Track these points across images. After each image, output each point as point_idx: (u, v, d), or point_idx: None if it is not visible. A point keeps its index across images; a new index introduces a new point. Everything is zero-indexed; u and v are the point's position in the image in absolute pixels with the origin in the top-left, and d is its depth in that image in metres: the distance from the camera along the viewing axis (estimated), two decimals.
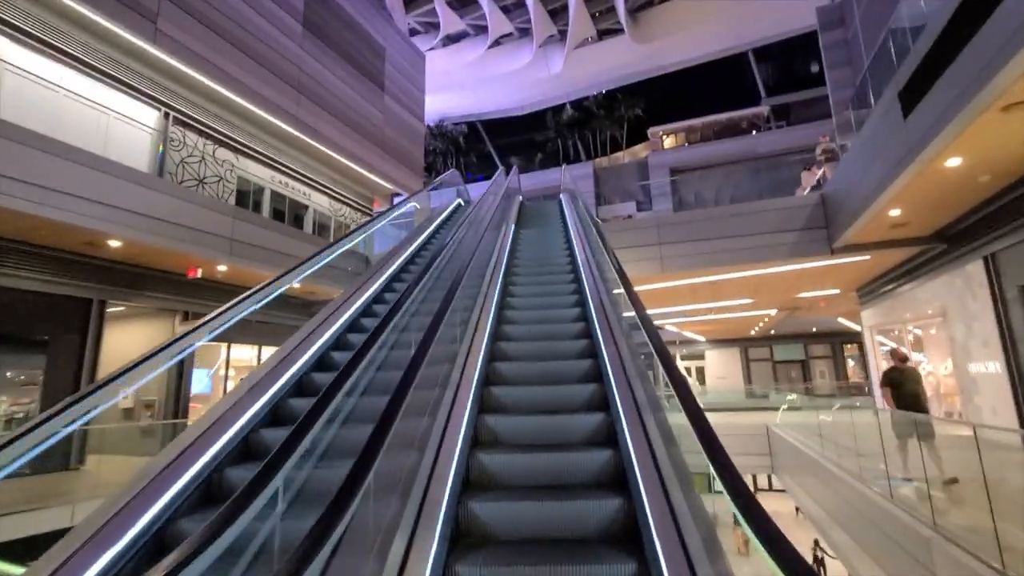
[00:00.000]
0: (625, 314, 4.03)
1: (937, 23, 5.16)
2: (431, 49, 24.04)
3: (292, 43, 14.15)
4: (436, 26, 22.66)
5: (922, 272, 10.13)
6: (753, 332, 25.76)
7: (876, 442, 5.62)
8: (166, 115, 11.24)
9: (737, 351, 27.93)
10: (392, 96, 18.41)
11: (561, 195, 10.04)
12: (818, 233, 10.07)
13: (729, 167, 27.86)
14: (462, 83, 28.54)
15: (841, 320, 21.08)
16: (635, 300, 3.37)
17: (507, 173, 11.60)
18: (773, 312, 18.28)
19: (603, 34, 26.40)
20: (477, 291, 4.54)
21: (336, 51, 15.81)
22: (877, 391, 14.43)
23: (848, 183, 8.77)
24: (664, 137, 32.02)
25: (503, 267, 5.38)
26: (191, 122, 11.75)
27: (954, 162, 6.12)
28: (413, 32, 23.52)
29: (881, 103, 6.94)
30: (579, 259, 5.95)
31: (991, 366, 8.07)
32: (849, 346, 26.77)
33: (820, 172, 11.82)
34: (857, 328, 19.82)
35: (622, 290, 3.74)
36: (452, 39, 25.29)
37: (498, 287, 4.85)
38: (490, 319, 4.17)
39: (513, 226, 7.38)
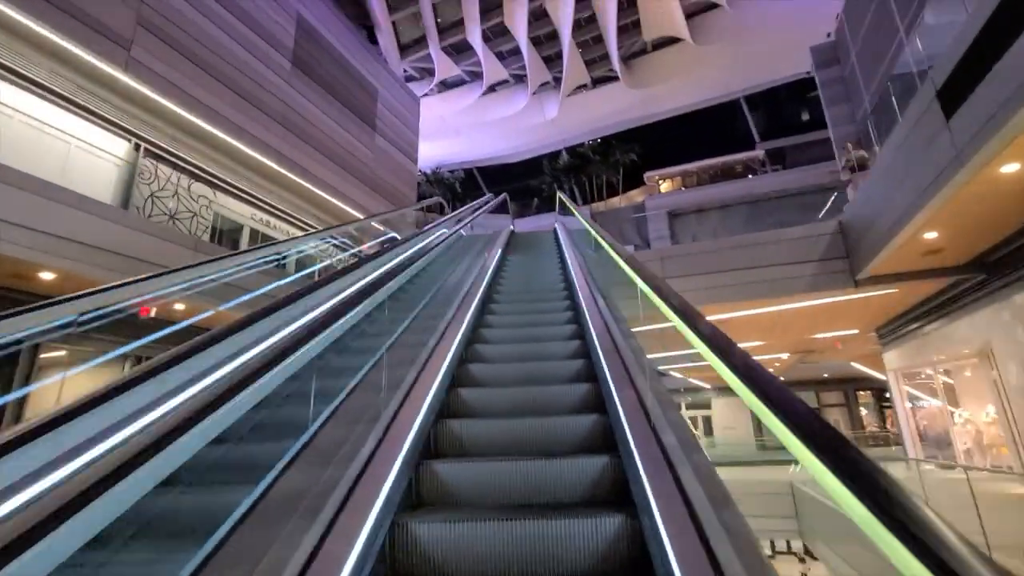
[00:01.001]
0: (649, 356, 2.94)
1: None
2: (426, 95, 24.15)
3: (280, 79, 13.80)
4: (431, 72, 22.81)
5: (956, 307, 9.19)
6: None
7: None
8: (136, 147, 10.59)
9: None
10: (384, 136, 18.08)
11: (555, 224, 9.24)
12: (839, 264, 9.19)
13: (726, 210, 27.61)
14: (457, 129, 28.63)
15: (855, 365, 19.92)
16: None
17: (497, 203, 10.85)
18: (785, 356, 17.18)
19: (597, 81, 26.74)
20: (436, 324, 3.50)
21: (326, 89, 15.52)
22: (908, 442, 13.13)
23: (872, 207, 7.97)
24: (660, 181, 32.03)
25: (478, 297, 4.36)
26: (165, 155, 11.10)
27: (1011, 168, 5.30)
28: (409, 78, 23.67)
29: (911, 110, 6.23)
30: (576, 284, 4.98)
31: None
32: (863, 393, 25.43)
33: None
34: (873, 373, 18.67)
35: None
36: (447, 85, 25.51)
37: (465, 324, 3.78)
38: (440, 374, 2.92)
39: (499, 251, 6.47)
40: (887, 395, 24.66)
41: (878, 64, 13.37)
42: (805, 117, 35.38)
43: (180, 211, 11.47)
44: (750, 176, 29.20)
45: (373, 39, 20.60)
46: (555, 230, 9.06)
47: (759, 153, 29.82)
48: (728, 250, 10.05)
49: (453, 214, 7.67)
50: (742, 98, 31.30)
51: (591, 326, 3.68)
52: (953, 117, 5.34)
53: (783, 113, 33.09)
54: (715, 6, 21.52)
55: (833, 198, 17.23)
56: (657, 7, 21.32)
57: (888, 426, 24.63)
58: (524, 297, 5.14)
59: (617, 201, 33.39)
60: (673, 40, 23.80)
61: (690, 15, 21.86)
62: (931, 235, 7.11)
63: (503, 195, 10.56)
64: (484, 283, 4.67)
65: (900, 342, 12.07)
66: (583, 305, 4.34)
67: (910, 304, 10.43)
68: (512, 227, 9.97)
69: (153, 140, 10.80)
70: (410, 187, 19.34)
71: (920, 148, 6.03)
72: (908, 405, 12.88)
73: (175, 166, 11.37)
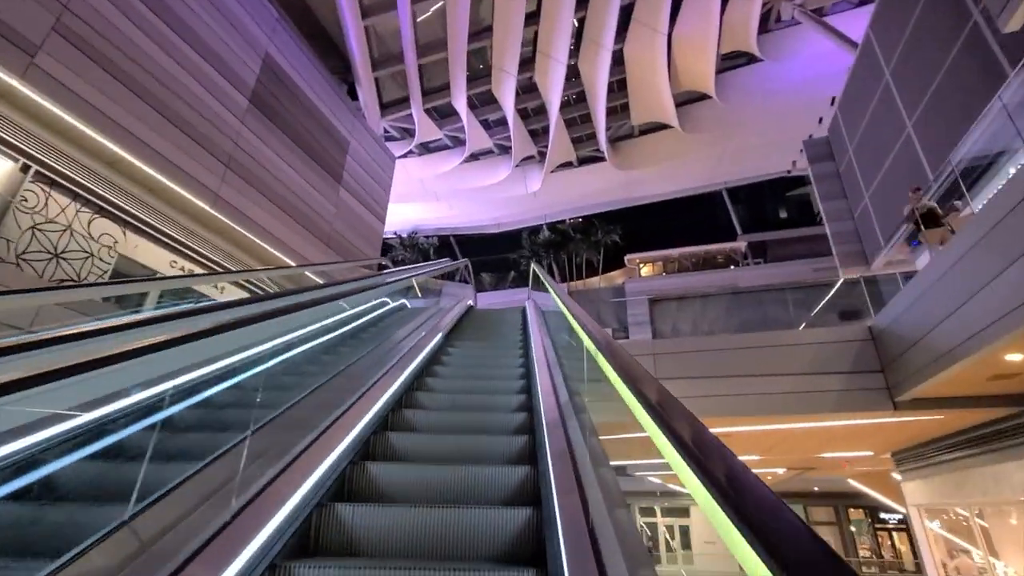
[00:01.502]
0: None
1: None
2: (405, 155, 23.14)
3: (231, 115, 12.24)
4: (412, 133, 21.91)
5: (1016, 442, 7.43)
6: None
7: None
8: (25, 168, 8.63)
9: None
10: (350, 191, 16.53)
11: (526, 302, 7.38)
12: (872, 379, 7.46)
13: (707, 300, 26.64)
14: (437, 194, 27.58)
15: (852, 482, 17.85)
16: None
17: (460, 272, 9.00)
18: (780, 471, 15.08)
19: (583, 160, 26.37)
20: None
21: (287, 134, 14.03)
22: None
23: (924, 315, 6.37)
24: (641, 265, 31.23)
25: (359, 427, 2.35)
26: (64, 182, 9.13)
27: None
28: (389, 138, 22.71)
29: (1007, 195, 4.73)
30: (542, 403, 3.01)
31: None
32: (854, 510, 23.11)
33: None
34: (877, 496, 16.61)
35: None
36: (429, 148, 24.68)
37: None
38: None
39: (440, 337, 4.50)
40: (881, 516, 22.45)
41: (880, 160, 12.61)
42: (783, 215, 35.83)
43: (70, 250, 9.34)
44: (732, 267, 28.60)
45: (354, 95, 19.68)
46: (524, 309, 7.21)
47: (741, 245, 29.43)
48: (736, 350, 8.27)
49: (385, 272, 5.75)
50: (725, 190, 31.45)
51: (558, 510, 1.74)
52: None
53: (765, 208, 33.33)
54: (706, 97, 21.55)
55: (832, 293, 16.04)
56: (648, 93, 21.20)
57: (883, 551, 22.21)
58: (454, 423, 3.13)
59: (596, 281, 32.29)
60: (662, 127, 23.70)
61: (680, 104, 21.81)
62: (1015, 357, 5.44)
63: (463, 261, 8.76)
64: (375, 408, 2.69)
65: (928, 473, 10.16)
66: (548, 454, 2.37)
67: (949, 431, 8.65)
68: (471, 302, 8.05)
69: (50, 163, 8.87)
70: (374, 248, 17.56)
71: (1019, 242, 4.48)
72: (936, 552, 10.74)
73: (75, 196, 9.38)
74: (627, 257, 31.07)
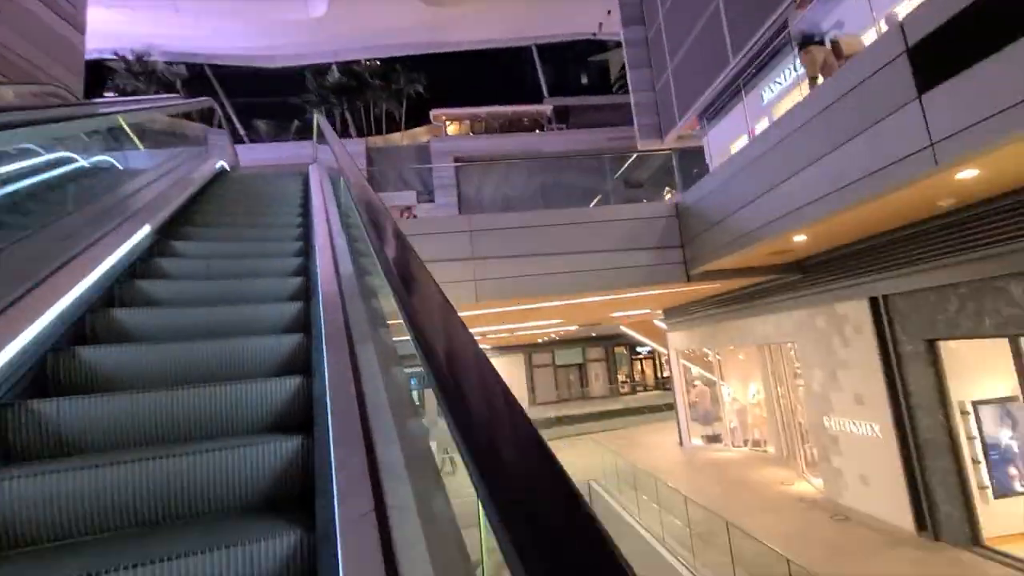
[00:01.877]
0: None
1: None
2: None
3: None
4: None
5: (764, 302, 8.82)
6: (540, 340, 24.82)
7: None
8: None
9: (522, 357, 26.79)
10: None
11: (311, 167, 5.40)
12: (673, 253, 7.79)
13: (511, 164, 26.60)
14: (176, 3, 20.02)
15: (624, 329, 21.14)
16: None
17: (217, 118, 6.23)
18: (573, 328, 16.73)
19: None
20: None
21: None
22: (683, 415, 13.70)
23: (729, 196, 6.47)
24: (448, 123, 29.12)
25: None
26: None
27: (968, 174, 3.88)
28: None
29: (845, 72, 4.45)
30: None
31: (866, 428, 6.80)
32: (618, 348, 28.20)
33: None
34: (641, 338, 19.94)
35: None
36: None
37: None
38: None
39: (148, 229, 2.59)
40: (637, 350, 27.91)
41: (688, 32, 12.52)
42: (585, 80, 36.45)
43: None
44: (538, 132, 28.58)
45: None
46: (306, 176, 5.28)
47: (547, 108, 29.27)
48: (553, 227, 7.77)
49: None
50: (535, 47, 30.06)
51: None
52: (935, 90, 3.58)
53: (568, 72, 33.24)
54: None
55: (627, 164, 16.92)
56: None
57: (635, 375, 28.20)
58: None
59: (399, 138, 29.32)
60: None
61: None
62: (800, 238, 5.85)
63: (205, 99, 6.00)
64: None
65: (690, 325, 12.00)
66: None
67: (715, 293, 9.97)
68: (224, 163, 5.58)
69: None
70: (72, 72, 11.95)
71: (849, 127, 4.34)
72: (685, 382, 13.31)
73: None
74: (432, 113, 28.43)
